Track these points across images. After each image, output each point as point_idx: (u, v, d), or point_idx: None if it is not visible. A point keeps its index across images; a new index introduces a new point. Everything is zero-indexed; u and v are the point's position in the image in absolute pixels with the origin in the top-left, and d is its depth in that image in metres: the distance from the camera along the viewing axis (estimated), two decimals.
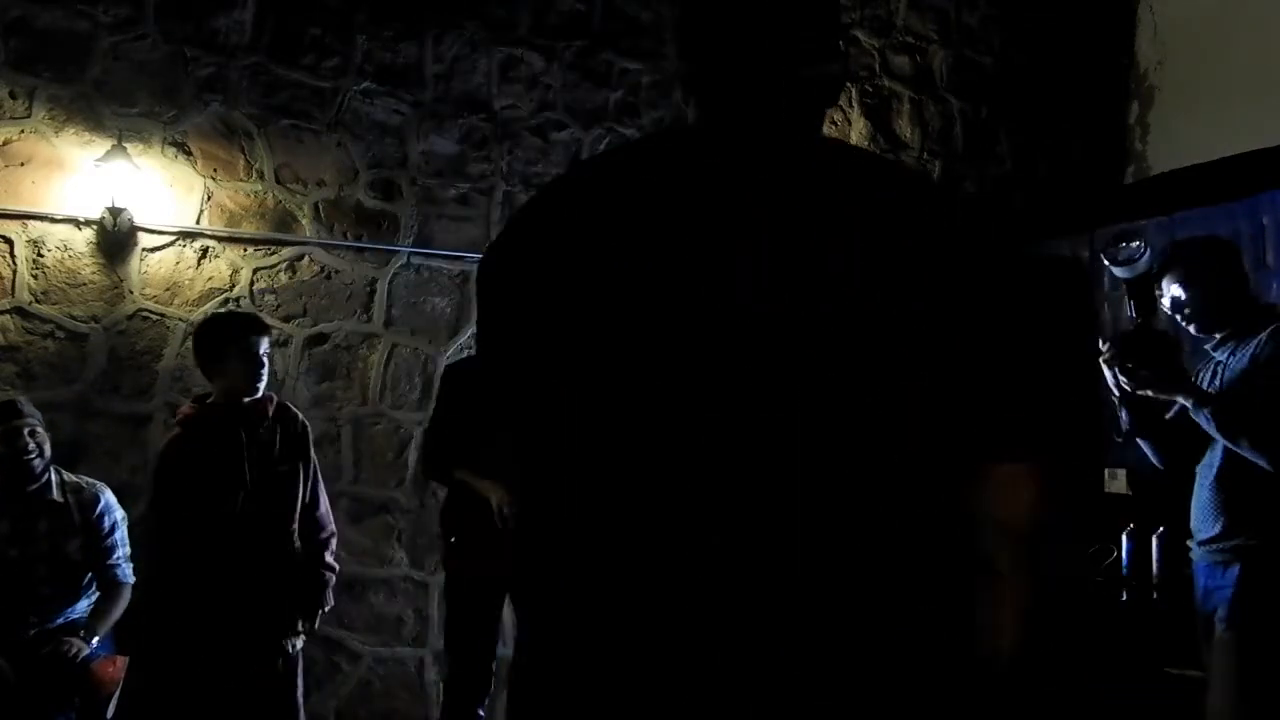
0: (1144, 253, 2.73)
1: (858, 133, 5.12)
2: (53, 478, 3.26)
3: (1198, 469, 2.78)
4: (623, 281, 1.00)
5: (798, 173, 1.04)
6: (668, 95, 4.72)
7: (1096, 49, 5.45)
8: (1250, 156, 4.38)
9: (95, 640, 3.21)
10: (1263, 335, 2.69)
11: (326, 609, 3.25)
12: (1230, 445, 2.63)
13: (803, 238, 1.00)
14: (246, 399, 3.08)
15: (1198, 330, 2.79)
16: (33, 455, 3.18)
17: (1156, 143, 5.26)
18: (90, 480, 3.36)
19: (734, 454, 0.98)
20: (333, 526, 3.28)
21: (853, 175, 1.05)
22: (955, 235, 1.05)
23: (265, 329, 3.17)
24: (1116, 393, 2.77)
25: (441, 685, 4.08)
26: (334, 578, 3.24)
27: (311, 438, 3.26)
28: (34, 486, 3.21)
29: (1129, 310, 2.79)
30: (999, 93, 5.38)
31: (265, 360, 3.08)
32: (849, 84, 5.12)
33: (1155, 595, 3.56)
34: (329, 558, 3.22)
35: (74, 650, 3.14)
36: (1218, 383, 2.77)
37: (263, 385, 3.10)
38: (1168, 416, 2.81)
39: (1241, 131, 4.51)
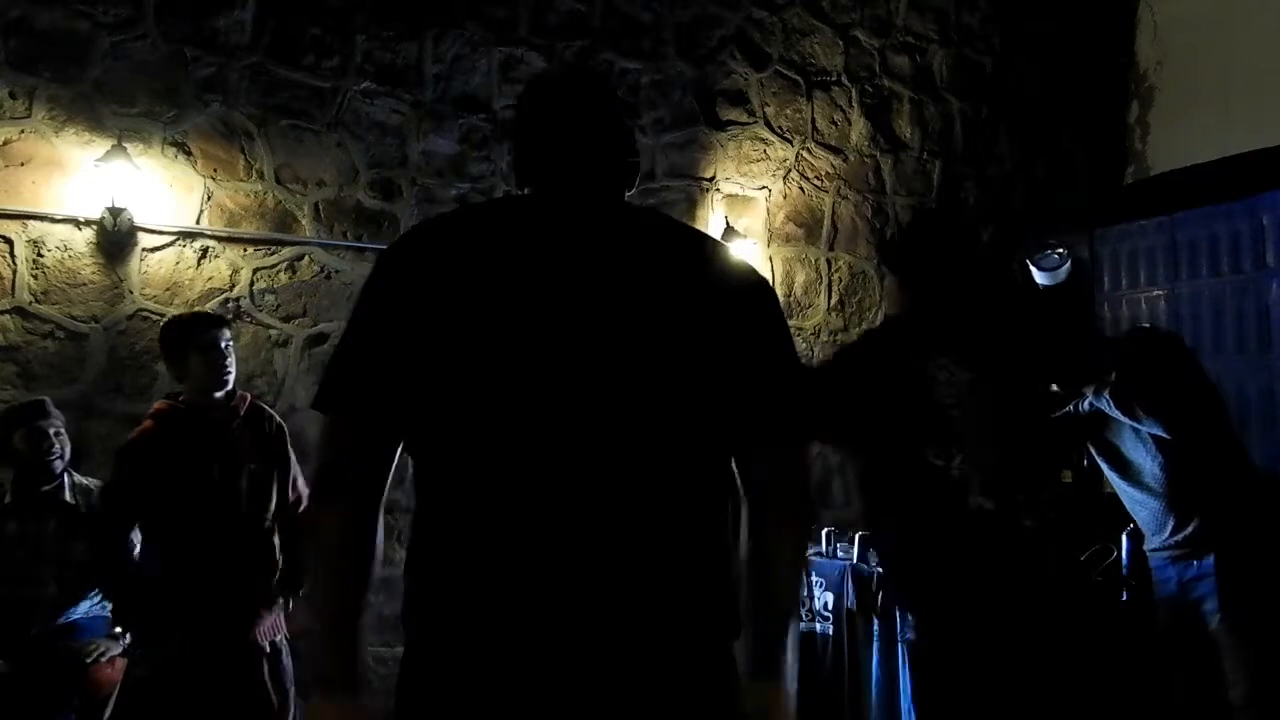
0: (1065, 261, 2.97)
1: (858, 132, 5.12)
2: (66, 479, 3.32)
3: (1123, 484, 3.08)
4: (480, 292, 1.28)
5: (611, 224, 1.39)
6: (668, 95, 4.72)
7: (1096, 49, 5.45)
8: (1250, 156, 4.39)
9: (120, 643, 3.23)
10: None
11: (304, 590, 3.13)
12: (1129, 420, 2.91)
13: (615, 269, 1.32)
14: (217, 394, 3.04)
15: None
16: (54, 457, 3.26)
17: (1156, 143, 5.26)
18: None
19: (562, 438, 1.25)
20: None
21: (651, 227, 1.44)
22: (728, 272, 1.41)
23: (223, 322, 3.13)
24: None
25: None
26: (300, 583, 3.11)
27: (288, 437, 3.20)
28: (48, 487, 3.26)
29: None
30: (999, 93, 5.38)
31: (227, 352, 3.04)
32: (849, 84, 5.13)
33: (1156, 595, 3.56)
34: (298, 568, 3.10)
35: (102, 650, 3.19)
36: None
37: (229, 378, 3.04)
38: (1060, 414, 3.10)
39: (1241, 131, 4.51)
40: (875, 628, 3.40)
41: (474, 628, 1.26)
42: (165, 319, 3.57)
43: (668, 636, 1.28)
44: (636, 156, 1.47)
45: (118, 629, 3.22)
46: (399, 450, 1.35)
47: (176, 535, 2.94)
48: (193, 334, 3.02)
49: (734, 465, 1.39)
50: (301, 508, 3.18)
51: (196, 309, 3.82)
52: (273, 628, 3.08)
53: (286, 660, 3.10)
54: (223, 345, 3.02)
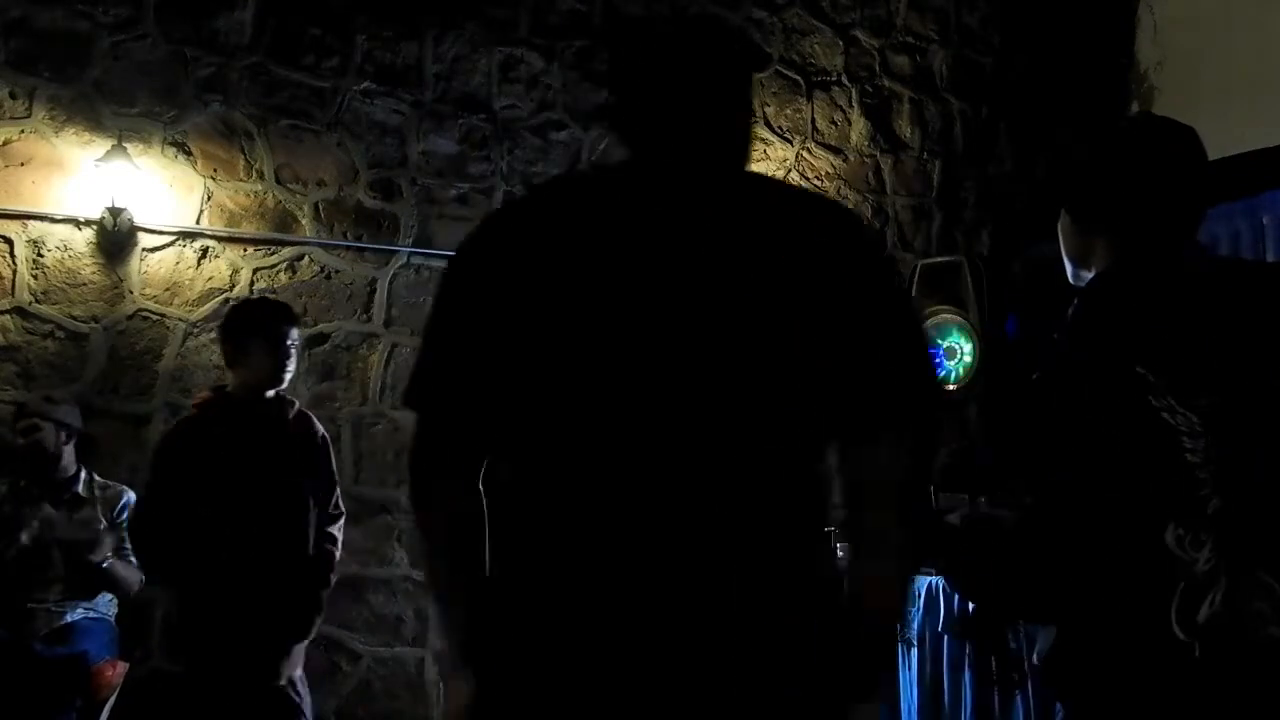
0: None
1: (858, 133, 5.12)
2: (81, 475, 3.41)
3: None
4: (577, 270, 1.19)
5: (720, 193, 1.26)
6: None
7: (1096, 49, 5.45)
8: (1250, 156, 4.38)
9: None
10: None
11: (310, 636, 2.98)
12: None
13: (727, 242, 1.21)
14: (269, 393, 2.92)
15: None
16: (51, 442, 3.34)
17: None
18: (120, 485, 3.50)
19: (666, 422, 1.17)
20: (336, 560, 3.07)
21: (769, 196, 1.29)
22: (848, 243, 1.26)
23: (294, 318, 3.02)
24: None
25: (441, 686, 4.09)
26: (321, 611, 2.99)
27: (332, 453, 3.10)
28: (62, 479, 3.36)
29: None
30: (999, 93, 5.38)
31: (291, 351, 2.92)
32: (849, 84, 5.13)
33: None
34: (321, 589, 2.98)
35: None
36: None
37: (288, 377, 2.93)
38: None
39: (1241, 131, 4.51)
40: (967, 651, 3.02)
41: (571, 615, 1.18)
42: (239, 301, 3.48)
43: (765, 638, 1.18)
44: (752, 117, 1.33)
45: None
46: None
47: (205, 541, 2.74)
48: (263, 323, 2.91)
49: (840, 455, 1.27)
50: (339, 523, 3.07)
51: (267, 296, 3.64)
52: (294, 661, 2.90)
53: (304, 691, 2.93)
54: (289, 343, 2.91)
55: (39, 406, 3.42)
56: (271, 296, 3.89)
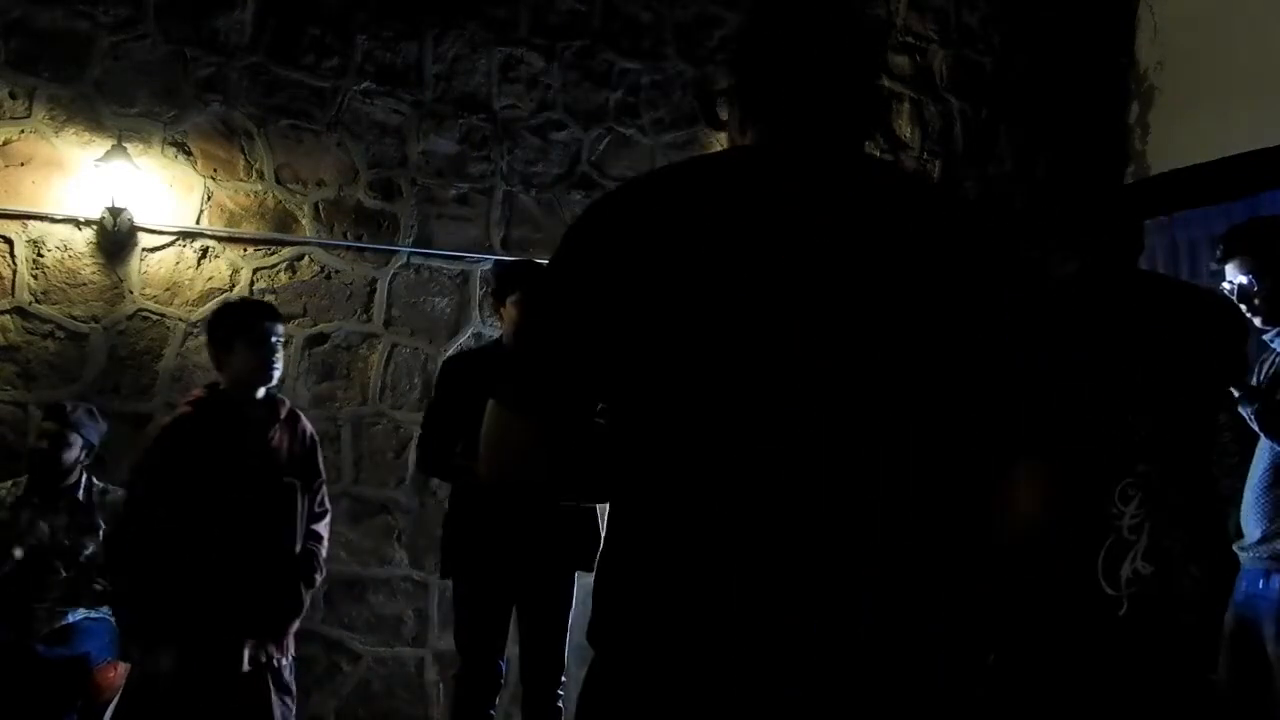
0: None
1: None
2: (83, 480, 3.42)
3: (1249, 470, 2.68)
4: (706, 266, 1.05)
5: (860, 184, 1.12)
6: (668, 95, 4.72)
7: (1096, 49, 5.44)
8: (1250, 156, 4.38)
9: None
10: None
11: (290, 635, 3.02)
12: (1274, 443, 2.55)
13: (868, 243, 1.08)
14: (259, 392, 2.96)
15: (1263, 322, 2.64)
16: (71, 459, 3.37)
17: (1156, 143, 5.25)
18: (120, 489, 3.49)
19: (805, 441, 1.04)
20: (323, 557, 3.11)
21: (906, 189, 1.15)
22: (992, 249, 1.14)
23: (277, 315, 3.05)
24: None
25: (441, 686, 4.09)
26: (303, 609, 3.04)
27: (320, 452, 3.14)
28: (64, 486, 3.38)
29: None
30: (999, 93, 5.38)
31: (277, 347, 2.95)
32: None
33: None
34: (305, 587, 3.03)
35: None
36: (1268, 377, 2.68)
37: (275, 374, 2.96)
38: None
39: (1241, 131, 4.51)
40: None
41: (696, 643, 1.04)
42: (221, 303, 3.49)
43: (913, 664, 1.05)
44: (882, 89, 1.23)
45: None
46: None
47: (194, 538, 2.79)
48: (245, 322, 2.94)
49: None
50: (325, 520, 3.12)
51: (251, 297, 3.73)
52: (281, 647, 2.96)
53: (289, 680, 3.00)
54: (273, 340, 2.94)
55: (75, 418, 3.42)
56: (260, 297, 3.92)
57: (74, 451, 3.38)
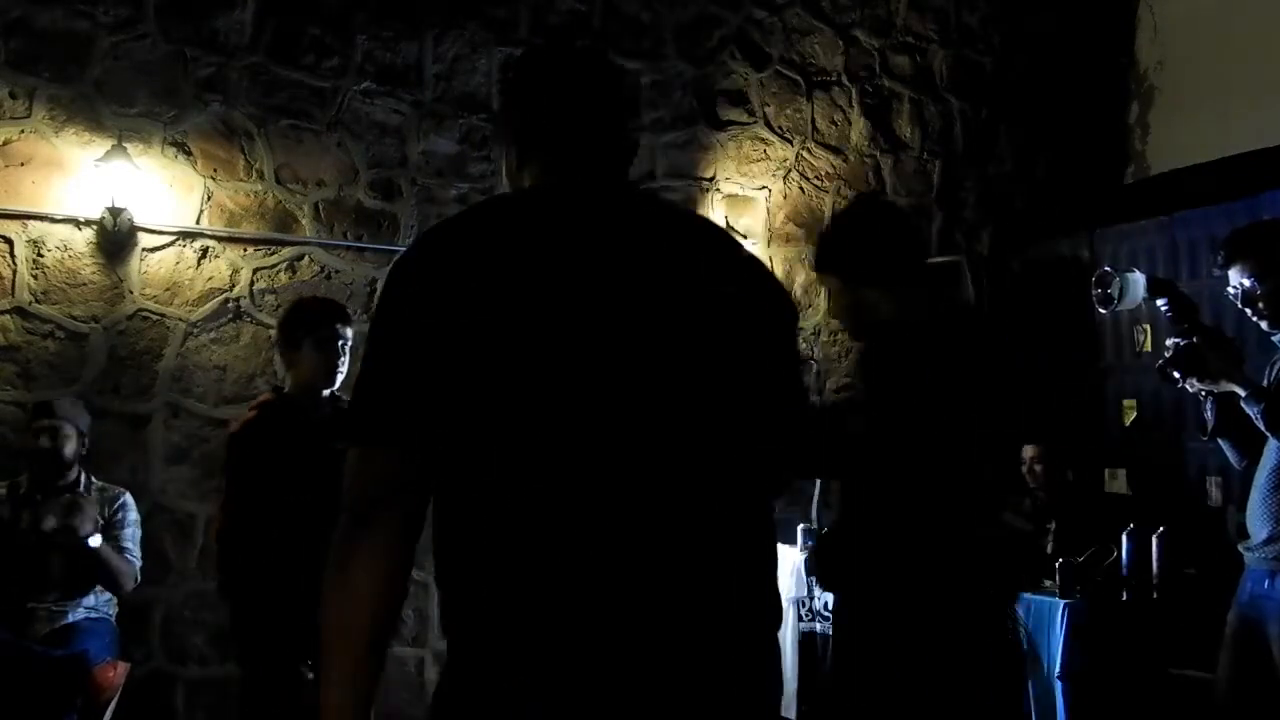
0: (1117, 295, 2.71)
1: (858, 132, 5.12)
2: (82, 478, 3.45)
3: (1255, 471, 2.67)
4: (517, 295, 1.17)
5: (643, 218, 1.30)
6: (668, 95, 4.72)
7: (1096, 49, 5.45)
8: (1250, 156, 4.38)
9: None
10: None
11: None
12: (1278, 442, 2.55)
13: (658, 272, 1.23)
14: (325, 392, 2.93)
15: (1269, 326, 2.64)
16: (71, 451, 3.41)
17: (1156, 143, 5.26)
18: (118, 487, 3.55)
19: (617, 450, 1.17)
20: None
21: (682, 223, 1.36)
22: (756, 271, 1.35)
23: (346, 318, 3.00)
24: (1203, 393, 2.66)
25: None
26: None
27: None
28: (62, 482, 3.40)
29: (1170, 320, 2.71)
30: (999, 93, 5.38)
31: (343, 350, 2.92)
32: (849, 84, 5.12)
33: (1155, 595, 3.56)
34: None
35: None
36: (1276, 377, 2.67)
37: (339, 377, 2.92)
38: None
39: (1241, 131, 4.51)
40: None
41: (532, 648, 1.18)
42: (293, 301, 3.35)
43: (726, 652, 1.20)
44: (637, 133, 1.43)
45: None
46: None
47: (291, 545, 2.65)
48: (312, 324, 2.91)
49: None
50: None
51: (324, 297, 3.61)
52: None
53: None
54: (340, 343, 2.92)
55: (66, 410, 3.44)
56: (260, 297, 3.92)
57: (72, 443, 3.41)
